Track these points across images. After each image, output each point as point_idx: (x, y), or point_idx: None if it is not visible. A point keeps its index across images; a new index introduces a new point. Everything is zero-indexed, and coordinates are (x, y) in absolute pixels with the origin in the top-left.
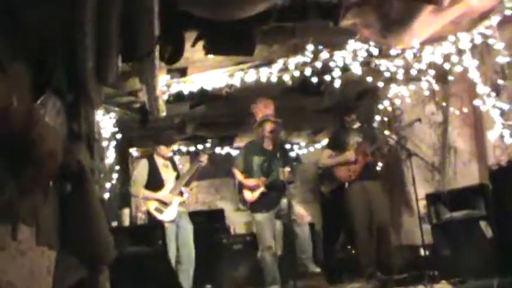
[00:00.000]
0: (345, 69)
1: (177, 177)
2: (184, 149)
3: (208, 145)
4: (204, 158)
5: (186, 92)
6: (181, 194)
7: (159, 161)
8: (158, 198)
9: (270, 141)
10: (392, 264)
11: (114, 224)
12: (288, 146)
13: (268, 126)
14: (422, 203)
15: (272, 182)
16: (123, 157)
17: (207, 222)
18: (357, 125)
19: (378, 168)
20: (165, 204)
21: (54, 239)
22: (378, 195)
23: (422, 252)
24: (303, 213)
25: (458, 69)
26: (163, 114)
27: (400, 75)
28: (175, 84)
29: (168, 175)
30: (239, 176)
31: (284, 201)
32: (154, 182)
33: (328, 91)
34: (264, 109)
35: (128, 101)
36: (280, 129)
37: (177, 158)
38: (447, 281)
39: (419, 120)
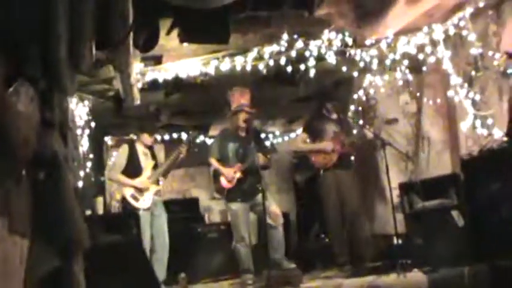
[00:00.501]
0: (320, 58)
1: (155, 166)
2: (158, 137)
3: (184, 135)
4: (183, 149)
5: (160, 80)
6: (157, 183)
7: (140, 149)
8: (135, 185)
9: (243, 130)
10: (365, 253)
11: (88, 212)
12: (262, 135)
13: (242, 117)
14: (396, 193)
15: (248, 167)
16: (97, 145)
17: (182, 211)
18: (335, 114)
19: (352, 158)
20: (141, 191)
21: (26, 227)
22: (351, 184)
23: (395, 241)
24: (278, 213)
25: (432, 59)
26: (138, 102)
27: (374, 65)
28: (150, 72)
29: (146, 163)
30: (215, 164)
31: (259, 197)
32: (133, 168)
33: (303, 80)
34: (239, 98)
35: (102, 89)
36: (254, 119)
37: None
38: (419, 270)
39: (396, 120)
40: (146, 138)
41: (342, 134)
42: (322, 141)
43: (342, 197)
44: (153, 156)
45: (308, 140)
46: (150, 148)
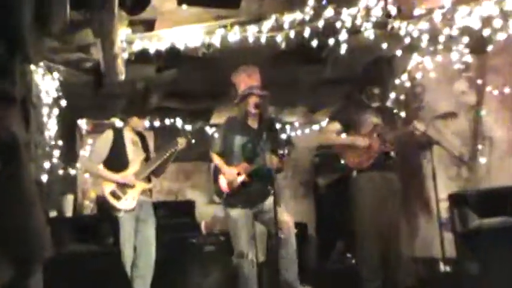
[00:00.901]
0: (355, 31)
1: (146, 159)
2: (147, 123)
3: (180, 122)
4: (182, 141)
5: (152, 51)
6: (148, 180)
7: (128, 135)
8: (117, 180)
9: (255, 119)
10: (402, 280)
11: (53, 213)
12: (278, 126)
13: (253, 101)
14: (444, 205)
15: (256, 169)
16: (68, 130)
17: (173, 217)
18: (376, 103)
19: (393, 157)
20: (124, 188)
21: None
22: (394, 192)
23: (442, 267)
24: (289, 222)
25: (500, 37)
26: (122, 77)
27: (424, 43)
28: (138, 40)
29: (135, 155)
30: (216, 160)
31: (268, 203)
32: (117, 159)
33: (331, 58)
34: (247, 80)
35: (77, 59)
36: (268, 104)
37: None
38: None
39: (453, 115)
40: (137, 122)
41: (384, 128)
42: (357, 134)
43: (379, 207)
44: (145, 147)
45: (339, 132)
46: (142, 136)
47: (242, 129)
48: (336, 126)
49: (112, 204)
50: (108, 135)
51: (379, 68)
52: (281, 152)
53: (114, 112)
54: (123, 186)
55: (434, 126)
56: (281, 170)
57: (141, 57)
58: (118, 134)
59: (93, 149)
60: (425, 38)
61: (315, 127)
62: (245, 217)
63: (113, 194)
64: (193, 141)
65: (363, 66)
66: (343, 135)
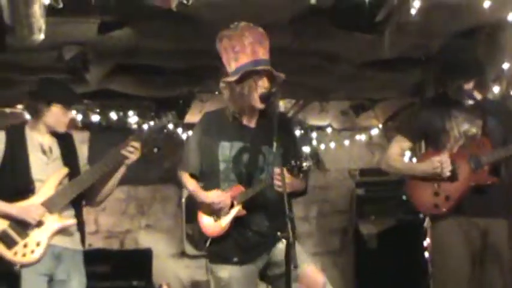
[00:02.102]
0: None
1: (70, 175)
2: (78, 117)
3: (134, 118)
4: (136, 145)
5: None
6: (76, 210)
7: (35, 138)
8: (10, 214)
9: (253, 114)
10: None
11: None
12: (297, 131)
13: (265, 84)
14: None
15: (259, 195)
16: None
17: (117, 277)
18: (471, 99)
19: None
20: (24, 227)
21: None
22: (497, 248)
23: None
24: (319, 280)
25: None
26: (41, 37)
27: None
28: None
29: (47, 169)
30: (189, 183)
31: (280, 247)
32: (13, 179)
33: (392, 24)
34: (256, 46)
35: None
36: (279, 94)
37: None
38: None
39: None
40: (58, 114)
41: (485, 140)
42: (434, 154)
43: (471, 272)
44: (69, 157)
45: (408, 151)
46: (63, 139)
47: (232, 130)
48: (404, 143)
49: (3, 257)
50: None
51: (475, 44)
52: (295, 162)
53: (22, 95)
54: (22, 224)
55: None
56: (303, 193)
57: (76, 5)
58: (16, 137)
59: None
60: None
61: (360, 137)
62: (244, 278)
63: (2, 238)
64: (155, 149)
65: (446, 39)
66: (408, 157)
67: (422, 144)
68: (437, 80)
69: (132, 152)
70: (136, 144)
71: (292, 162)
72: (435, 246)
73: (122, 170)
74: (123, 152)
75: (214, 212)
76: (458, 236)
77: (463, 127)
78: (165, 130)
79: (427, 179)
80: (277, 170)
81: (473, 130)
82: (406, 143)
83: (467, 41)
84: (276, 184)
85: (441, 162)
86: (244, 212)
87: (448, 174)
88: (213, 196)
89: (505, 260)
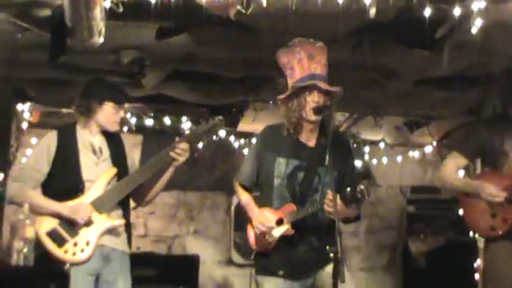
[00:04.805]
0: None
1: (119, 175)
2: (132, 120)
3: (188, 124)
4: (185, 147)
5: (153, 1)
6: (124, 211)
7: (86, 138)
8: (60, 212)
9: (313, 131)
10: None
11: None
12: (352, 146)
13: (314, 100)
14: None
15: (311, 216)
16: (1, 121)
17: (163, 280)
18: None
19: None
20: (74, 226)
21: None
22: None
23: None
24: None
25: None
26: (100, 40)
27: None
28: None
29: (96, 170)
30: (243, 195)
31: (326, 274)
32: (64, 178)
33: (452, 42)
34: (307, 63)
35: (25, 1)
36: (336, 109)
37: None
38: None
39: None
40: (108, 113)
41: None
42: (492, 176)
43: None
44: (118, 158)
45: (464, 168)
46: (114, 141)
47: (290, 147)
48: (460, 160)
49: (50, 252)
50: (50, 139)
51: None
52: (350, 192)
53: (78, 96)
54: (71, 224)
55: None
56: (352, 219)
57: (135, 10)
58: (67, 136)
59: (25, 162)
60: None
61: (414, 154)
62: None
63: (52, 236)
64: (206, 154)
65: (507, 59)
66: (462, 176)
67: (478, 163)
68: (498, 100)
69: (179, 153)
70: (184, 146)
71: (347, 191)
72: (487, 268)
73: (170, 172)
74: (171, 153)
75: (260, 228)
76: None
77: None
78: (214, 135)
79: (484, 200)
80: (329, 195)
81: None
82: (462, 160)
83: None
84: (326, 210)
85: (492, 195)
86: (292, 231)
87: (499, 200)
88: (261, 214)
89: None
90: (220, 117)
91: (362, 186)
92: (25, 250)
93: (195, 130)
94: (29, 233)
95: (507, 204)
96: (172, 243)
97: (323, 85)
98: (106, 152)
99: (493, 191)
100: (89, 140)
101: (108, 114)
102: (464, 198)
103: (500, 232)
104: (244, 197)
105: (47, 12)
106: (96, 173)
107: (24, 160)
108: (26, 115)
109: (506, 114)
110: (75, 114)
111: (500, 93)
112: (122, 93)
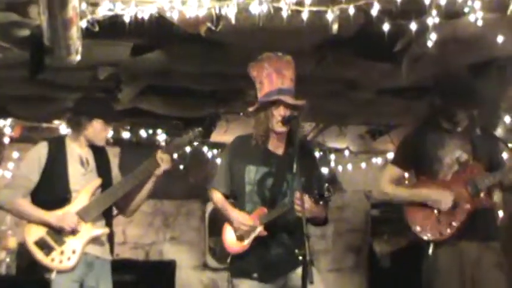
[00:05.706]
0: (451, 13)
1: (103, 186)
2: (110, 133)
3: (163, 136)
4: (165, 158)
5: (127, 20)
6: (107, 220)
7: (74, 150)
8: (48, 221)
9: (280, 141)
10: None
11: None
12: (317, 153)
13: (280, 113)
14: None
15: (281, 218)
16: None
17: (142, 286)
18: (462, 125)
19: (494, 216)
20: (60, 234)
21: None
22: (495, 273)
23: None
24: None
25: None
26: (78, 58)
27: None
28: (106, 1)
29: (83, 181)
30: (219, 199)
31: (298, 272)
32: (52, 188)
33: (410, 54)
34: (275, 77)
35: (5, 22)
36: (303, 121)
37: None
38: None
39: None
40: (97, 129)
41: (478, 168)
42: (434, 183)
43: None
44: (103, 169)
45: (404, 176)
46: (99, 153)
47: (260, 156)
48: (396, 171)
49: (38, 260)
50: (40, 149)
51: (488, 76)
52: (320, 192)
53: (58, 111)
54: (58, 232)
55: None
56: (324, 221)
57: (110, 29)
58: (57, 148)
59: (16, 173)
60: None
61: (376, 160)
62: None
63: (40, 244)
64: (180, 166)
65: (458, 69)
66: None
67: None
68: (432, 108)
69: (160, 164)
70: (165, 157)
71: (315, 191)
72: (434, 269)
73: (151, 182)
74: (152, 164)
75: (237, 228)
76: (457, 260)
77: (455, 154)
78: (191, 147)
79: (427, 203)
80: (297, 195)
81: (465, 156)
82: (397, 171)
83: (481, 72)
84: (296, 209)
85: (439, 202)
86: (265, 232)
87: (450, 203)
88: (239, 218)
89: (503, 280)
90: (200, 128)
91: (327, 184)
92: (7, 260)
93: (177, 141)
94: (11, 243)
95: (451, 209)
96: (150, 249)
97: (289, 99)
98: (92, 164)
99: (441, 197)
100: (78, 152)
101: (97, 130)
102: (409, 207)
103: (446, 234)
104: (221, 201)
105: (26, 32)
106: (83, 183)
107: (6, 174)
108: (8, 130)
109: (437, 120)
110: (67, 127)
111: (434, 100)
112: (112, 112)
